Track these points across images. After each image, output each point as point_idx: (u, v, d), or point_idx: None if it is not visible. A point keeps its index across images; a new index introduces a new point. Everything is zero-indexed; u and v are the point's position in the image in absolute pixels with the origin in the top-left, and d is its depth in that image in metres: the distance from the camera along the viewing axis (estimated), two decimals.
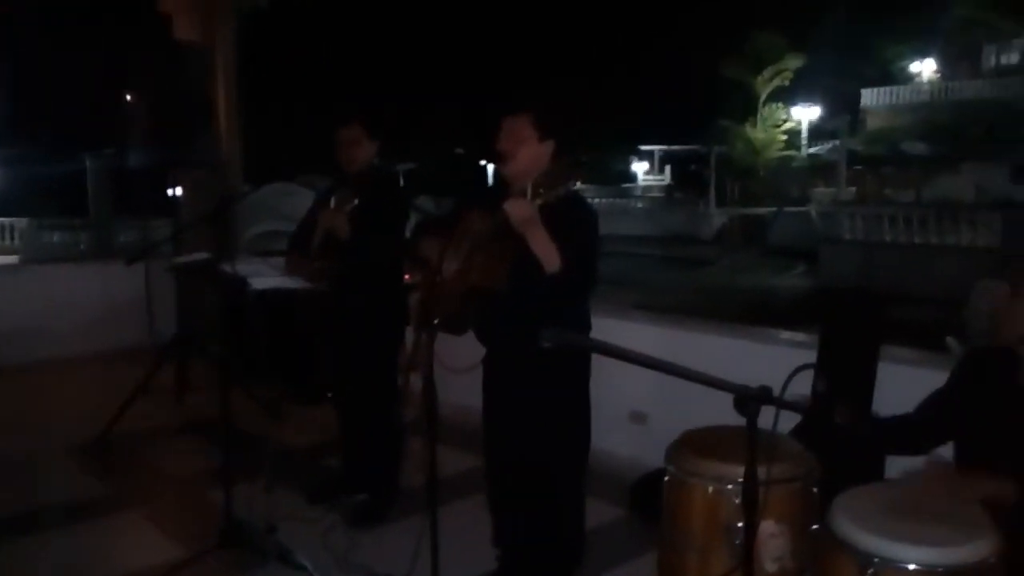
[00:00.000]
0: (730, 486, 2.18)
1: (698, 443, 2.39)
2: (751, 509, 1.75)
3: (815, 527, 1.97)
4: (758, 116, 39.65)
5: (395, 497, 3.75)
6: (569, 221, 2.58)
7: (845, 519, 1.88)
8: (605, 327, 2.92)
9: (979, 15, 34.89)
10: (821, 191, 31.01)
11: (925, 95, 36.90)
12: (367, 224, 3.44)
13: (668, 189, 45.05)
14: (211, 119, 6.87)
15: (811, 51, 37.27)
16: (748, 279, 23.51)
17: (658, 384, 3.80)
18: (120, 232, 17.90)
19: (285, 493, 3.81)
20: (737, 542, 2.12)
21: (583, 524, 2.95)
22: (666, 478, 2.38)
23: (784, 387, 1.86)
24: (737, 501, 2.15)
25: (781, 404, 1.79)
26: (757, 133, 39.45)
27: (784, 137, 39.56)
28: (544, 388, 2.73)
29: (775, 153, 39.46)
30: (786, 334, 4.29)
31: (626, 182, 46.51)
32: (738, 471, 2.15)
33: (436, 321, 2.62)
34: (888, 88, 38.14)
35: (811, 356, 3.47)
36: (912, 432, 2.41)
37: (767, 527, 2.09)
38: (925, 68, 38.78)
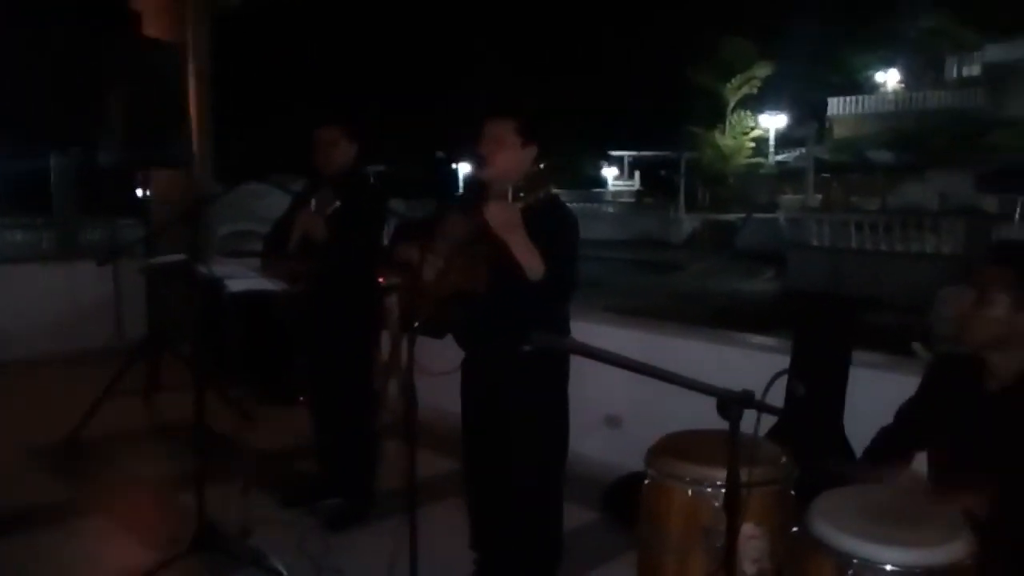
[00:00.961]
0: (709, 489, 2.21)
1: (677, 446, 2.41)
2: (734, 512, 1.77)
3: (795, 529, 2.00)
4: (727, 123, 40.13)
5: (371, 500, 3.73)
6: (550, 224, 2.59)
7: (824, 521, 1.91)
8: (577, 330, 2.93)
9: (942, 27, 35.68)
10: (788, 198, 31.46)
11: (890, 104, 37.62)
12: (346, 227, 3.42)
13: (638, 194, 45.37)
14: (183, 119, 6.78)
15: (779, 59, 37.82)
16: (718, 283, 23.74)
17: (633, 388, 3.84)
18: (85, 231, 17.58)
19: (259, 497, 3.77)
20: (717, 544, 2.15)
21: (561, 527, 2.95)
22: (645, 481, 2.40)
23: (765, 391, 1.88)
24: (716, 504, 2.18)
25: (763, 408, 1.81)
26: (726, 140, 39.93)
27: (752, 144, 40.09)
28: (525, 391, 2.74)
29: (743, 160, 39.98)
30: (758, 338, 4.35)
31: (596, 187, 46.74)
32: (717, 474, 2.18)
33: (416, 324, 2.61)
34: (854, 97, 38.82)
35: (783, 360, 3.51)
36: (892, 442, 2.43)
37: (746, 529, 2.11)
38: (890, 78, 39.53)
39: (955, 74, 37.35)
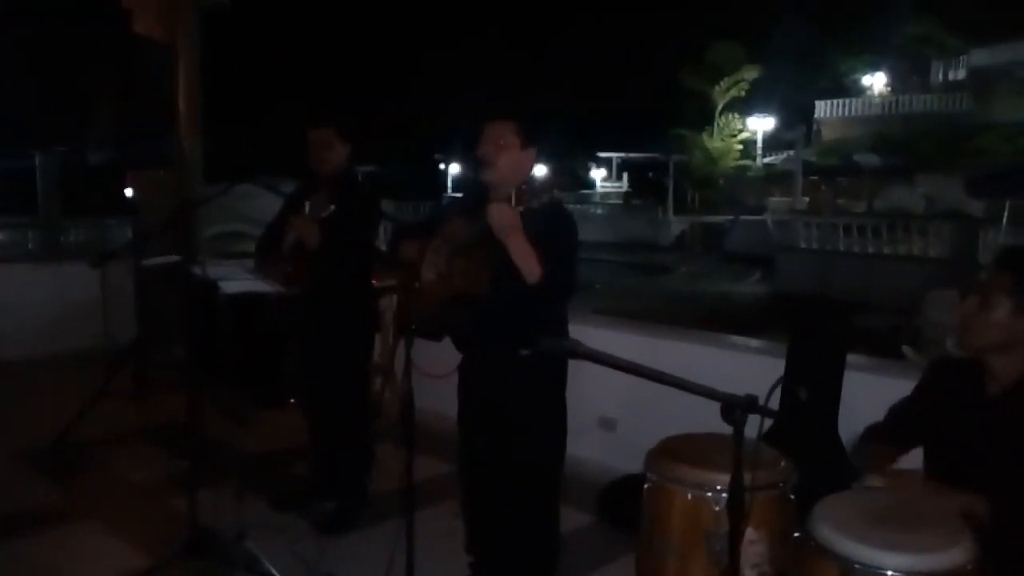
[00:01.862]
0: (710, 493, 2.20)
1: (678, 450, 2.41)
2: (737, 516, 1.76)
3: (796, 534, 1.99)
4: (715, 126, 40.24)
5: (364, 504, 3.71)
6: (549, 227, 2.58)
7: (826, 525, 1.90)
8: (571, 333, 2.91)
9: (927, 32, 35.93)
10: (776, 200, 31.53)
11: (877, 108, 37.83)
12: (341, 230, 3.40)
13: (626, 196, 45.44)
14: (172, 118, 6.73)
15: (767, 63, 37.97)
16: (706, 285, 23.79)
17: (627, 390, 3.84)
18: (70, 231, 17.48)
19: (251, 500, 3.74)
20: (718, 548, 2.14)
21: (558, 531, 2.94)
22: (645, 485, 2.39)
23: (768, 396, 1.87)
24: (717, 508, 2.18)
25: (766, 413, 1.80)
26: (714, 142, 40.04)
27: (740, 147, 40.21)
28: (524, 394, 2.73)
29: (731, 162, 40.10)
30: (753, 342, 4.35)
31: (584, 188, 46.81)
32: (718, 478, 2.18)
33: (414, 327, 2.60)
34: (841, 100, 39.02)
35: (775, 363, 3.51)
36: (881, 440, 2.44)
37: (747, 534, 2.11)
38: (876, 82, 39.76)
39: (941, 78, 37.61)
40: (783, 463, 2.33)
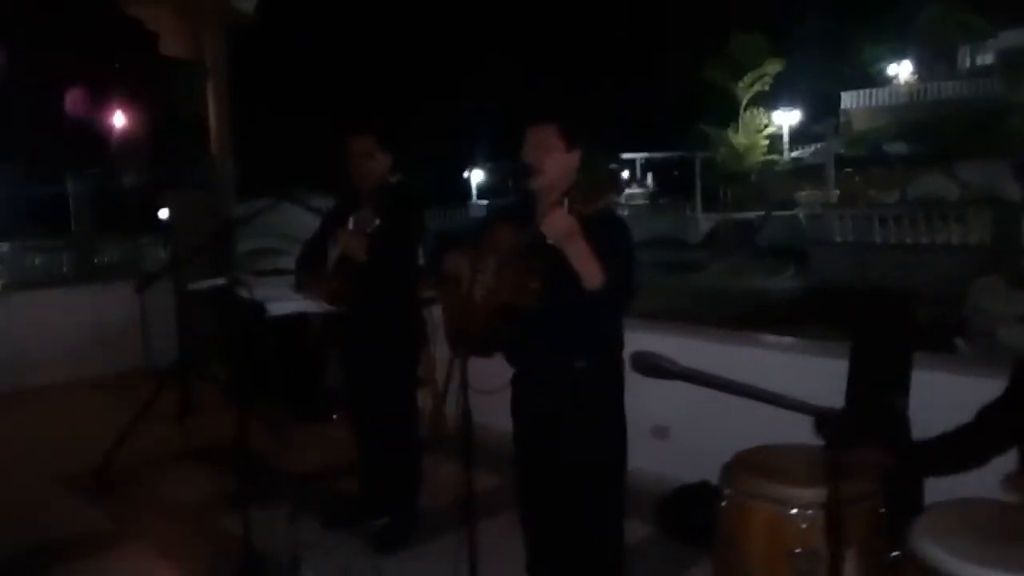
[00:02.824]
0: (795, 510, 2.07)
1: (756, 463, 2.28)
2: (836, 537, 1.64)
3: (895, 553, 1.86)
4: (739, 121, 39.82)
5: (416, 519, 3.62)
6: (605, 232, 2.47)
7: (932, 543, 1.77)
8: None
9: (949, 14, 35.36)
10: (806, 194, 31.09)
11: (904, 96, 37.28)
12: (388, 244, 3.31)
13: (652, 196, 45.08)
14: (203, 138, 6.72)
15: (789, 55, 37.54)
16: (740, 282, 23.51)
17: (679, 398, 3.70)
18: (103, 250, 17.63)
19: (301, 519, 3.67)
20: (805, 569, 2.01)
21: (623, 544, 2.82)
22: (723, 501, 2.27)
23: (851, 406, 1.75)
24: (804, 525, 2.05)
25: (858, 426, 1.68)
26: (739, 138, 39.60)
27: (766, 141, 39.75)
28: (582, 406, 2.63)
29: (758, 157, 39.63)
30: (814, 344, 4.20)
31: None
32: (803, 493, 2.06)
33: (466, 346, 2.50)
34: (867, 90, 38.50)
35: (835, 363, 3.36)
36: (969, 444, 2.30)
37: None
38: (902, 70, 39.17)
39: (968, 63, 36.99)
40: (872, 474, 2.19)
